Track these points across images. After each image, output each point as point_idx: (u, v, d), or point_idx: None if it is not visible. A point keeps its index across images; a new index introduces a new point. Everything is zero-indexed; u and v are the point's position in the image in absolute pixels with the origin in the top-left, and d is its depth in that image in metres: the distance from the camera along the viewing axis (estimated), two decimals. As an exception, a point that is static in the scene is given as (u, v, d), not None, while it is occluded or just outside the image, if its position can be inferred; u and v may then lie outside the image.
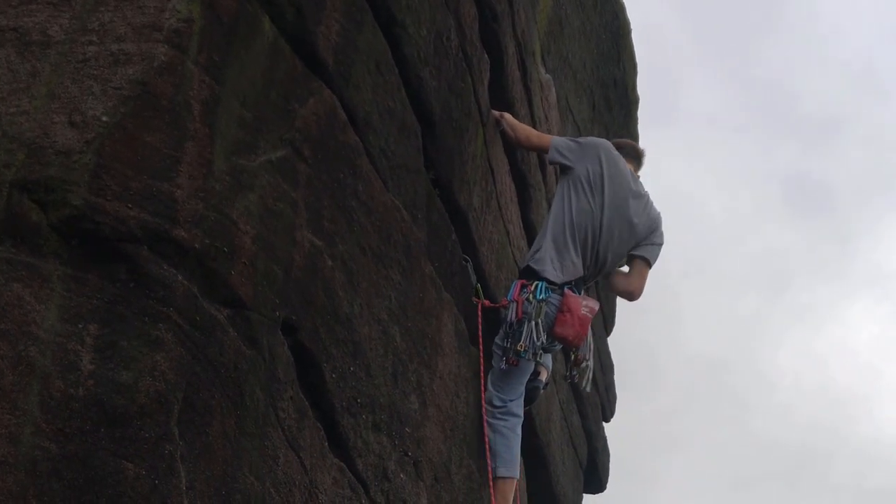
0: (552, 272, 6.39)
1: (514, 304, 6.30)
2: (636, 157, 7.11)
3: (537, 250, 6.53)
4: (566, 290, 6.38)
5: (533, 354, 6.25)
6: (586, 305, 6.38)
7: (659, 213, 6.93)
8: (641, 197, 6.81)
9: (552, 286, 6.35)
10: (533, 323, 6.21)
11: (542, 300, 6.27)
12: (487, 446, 6.22)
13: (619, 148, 6.96)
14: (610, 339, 11.21)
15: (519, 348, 6.17)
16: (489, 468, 6.20)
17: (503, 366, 6.27)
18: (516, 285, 6.43)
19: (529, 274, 6.45)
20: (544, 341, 6.28)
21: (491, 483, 6.18)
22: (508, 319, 6.29)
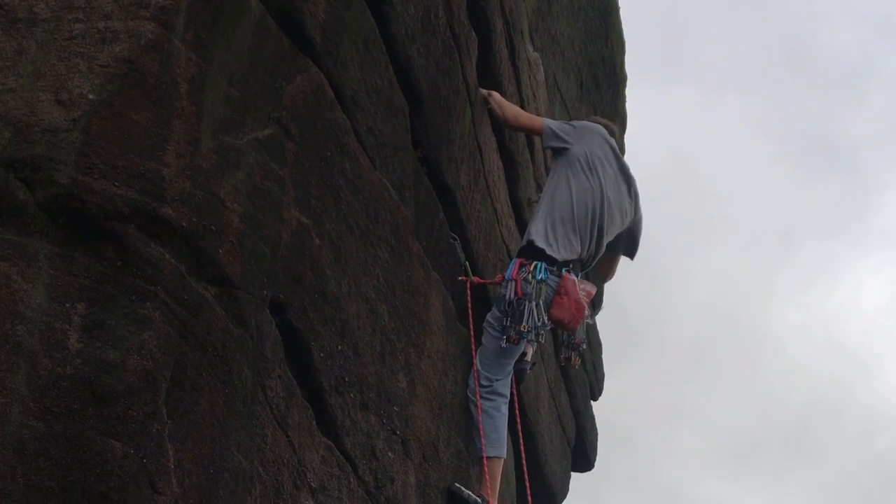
0: (553, 249, 6.39)
1: (513, 282, 6.30)
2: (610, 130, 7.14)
3: (538, 229, 6.51)
4: (564, 272, 6.38)
5: (536, 335, 6.26)
6: (583, 289, 6.39)
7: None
8: (633, 181, 6.87)
9: (550, 267, 6.35)
10: (534, 304, 6.21)
11: (542, 280, 6.27)
12: (481, 424, 6.23)
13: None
14: (617, 301, 11.23)
15: (522, 328, 6.17)
16: (482, 445, 6.21)
17: (503, 344, 6.27)
18: (515, 264, 6.42)
19: (528, 252, 6.45)
20: (546, 322, 6.29)
21: (485, 462, 6.20)
22: (507, 298, 6.28)
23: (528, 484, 7.02)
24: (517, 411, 7.03)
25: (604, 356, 11.46)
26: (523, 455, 6.96)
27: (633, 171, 6.92)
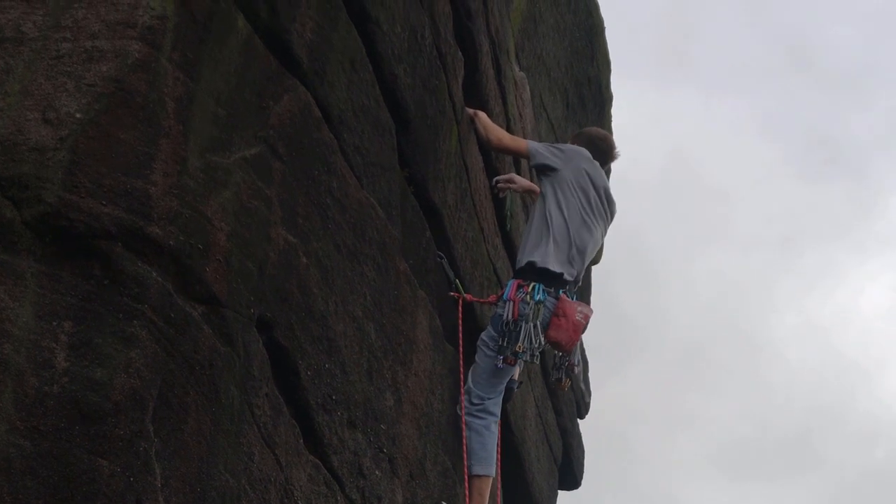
0: (555, 265, 6.39)
1: (510, 303, 6.31)
2: (607, 151, 7.15)
3: (539, 250, 6.50)
4: (562, 294, 6.39)
5: (531, 356, 6.26)
6: (580, 311, 6.40)
7: None
8: (610, 210, 6.92)
9: (548, 289, 6.35)
10: (531, 325, 6.22)
11: (540, 302, 6.28)
12: (465, 442, 6.23)
13: (594, 141, 7.04)
14: (615, 304, 11.23)
15: (517, 349, 6.18)
16: (465, 465, 6.21)
17: (500, 364, 6.27)
18: (512, 284, 6.43)
19: (527, 273, 6.45)
20: (542, 343, 6.29)
21: (466, 480, 6.20)
22: (504, 318, 6.29)
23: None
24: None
25: (602, 361, 11.46)
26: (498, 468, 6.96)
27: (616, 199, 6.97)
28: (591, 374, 11.31)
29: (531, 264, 6.45)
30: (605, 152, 7.07)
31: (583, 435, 10.98)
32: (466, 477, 6.22)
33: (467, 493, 6.17)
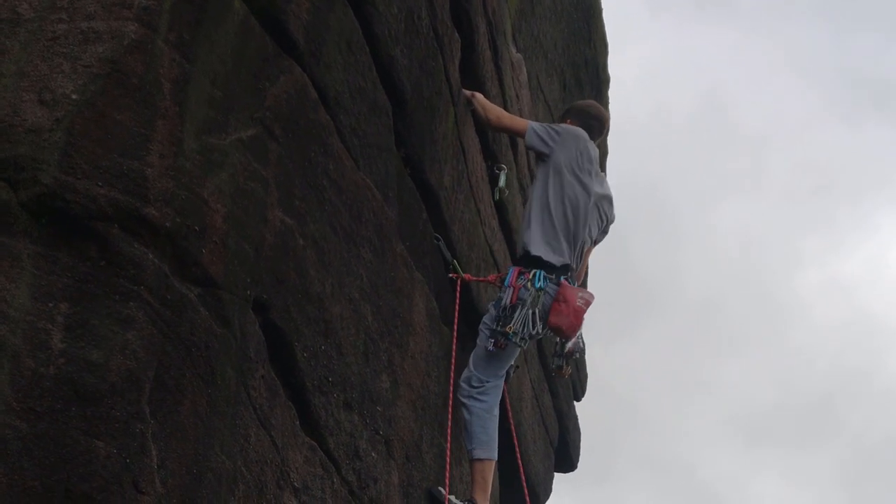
0: (551, 256, 6.41)
1: (511, 289, 6.32)
2: (600, 127, 7.14)
3: (534, 237, 6.52)
4: (563, 280, 6.40)
5: (521, 339, 6.26)
6: (582, 297, 6.41)
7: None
8: (607, 188, 6.91)
9: (549, 276, 6.36)
10: (528, 310, 6.23)
11: (541, 289, 6.29)
12: (451, 422, 6.22)
13: (590, 117, 7.03)
14: (629, 257, 11.14)
15: (507, 330, 6.18)
16: (448, 446, 6.20)
17: (490, 347, 6.29)
18: (513, 271, 6.44)
19: (526, 261, 6.46)
20: (540, 330, 6.30)
21: (448, 462, 6.18)
22: (504, 303, 6.31)
23: (524, 484, 7.03)
24: (509, 414, 7.06)
25: (613, 320, 11.40)
26: (518, 456, 6.99)
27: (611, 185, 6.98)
28: (600, 333, 11.29)
29: (530, 254, 6.46)
30: (597, 131, 7.07)
31: (592, 398, 10.90)
32: (446, 461, 6.21)
33: (447, 474, 6.17)
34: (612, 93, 11.08)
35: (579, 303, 6.37)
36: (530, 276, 6.34)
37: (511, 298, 6.28)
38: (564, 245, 6.49)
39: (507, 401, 7.19)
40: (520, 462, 7.12)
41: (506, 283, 6.40)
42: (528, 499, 6.86)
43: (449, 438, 6.17)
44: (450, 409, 6.25)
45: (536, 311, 6.25)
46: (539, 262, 6.40)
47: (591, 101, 7.45)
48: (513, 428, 7.12)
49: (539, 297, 6.27)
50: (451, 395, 6.28)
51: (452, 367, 6.30)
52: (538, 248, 6.45)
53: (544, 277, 6.34)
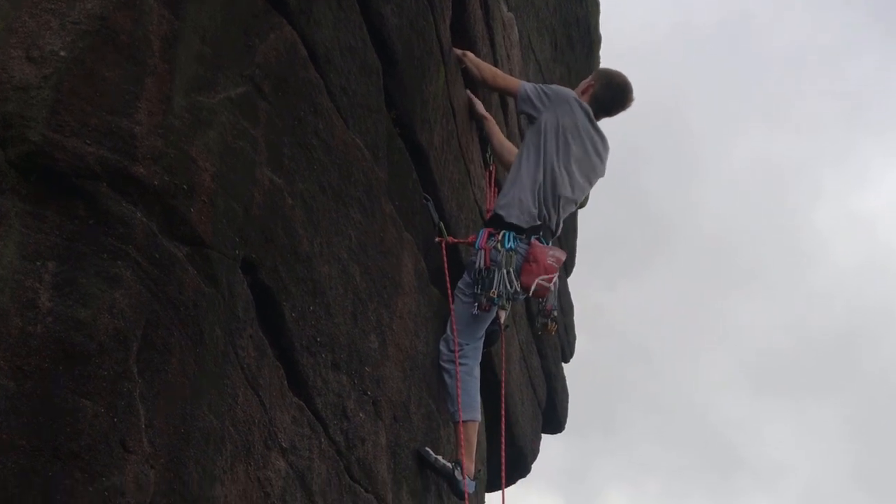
0: (515, 217, 6.42)
1: (482, 252, 6.33)
2: (622, 102, 7.03)
3: (505, 199, 6.55)
4: (533, 239, 6.41)
5: (507, 300, 6.30)
6: (552, 255, 6.43)
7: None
8: (602, 154, 6.87)
9: (519, 236, 6.37)
10: (504, 271, 6.25)
11: (511, 249, 6.31)
12: (459, 388, 6.25)
13: (612, 88, 6.94)
14: (640, 189, 10.99)
15: (492, 294, 6.21)
16: (460, 406, 6.23)
17: (475, 311, 6.31)
18: (483, 233, 6.46)
19: (496, 222, 6.48)
20: (518, 289, 6.32)
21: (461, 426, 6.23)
22: (476, 266, 6.32)
23: (503, 448, 7.05)
24: (503, 377, 7.08)
25: (621, 259, 11.27)
26: (503, 417, 7.01)
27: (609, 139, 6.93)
28: (607, 273, 11.24)
29: (499, 217, 6.48)
30: (620, 103, 7.00)
31: (599, 341, 10.89)
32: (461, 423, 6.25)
33: (462, 439, 6.20)
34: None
35: (550, 261, 6.40)
36: (500, 238, 6.36)
37: (484, 261, 6.30)
38: (539, 206, 6.49)
39: (503, 362, 7.21)
40: (503, 426, 7.15)
41: (476, 246, 6.42)
42: (503, 459, 6.88)
43: (459, 403, 6.19)
44: (458, 376, 6.26)
45: (511, 270, 6.28)
46: (507, 223, 6.41)
47: (619, 73, 7.28)
48: (503, 388, 7.14)
49: (512, 257, 6.30)
50: (457, 362, 6.27)
51: (454, 331, 6.29)
52: (507, 209, 6.49)
53: (514, 238, 6.37)
